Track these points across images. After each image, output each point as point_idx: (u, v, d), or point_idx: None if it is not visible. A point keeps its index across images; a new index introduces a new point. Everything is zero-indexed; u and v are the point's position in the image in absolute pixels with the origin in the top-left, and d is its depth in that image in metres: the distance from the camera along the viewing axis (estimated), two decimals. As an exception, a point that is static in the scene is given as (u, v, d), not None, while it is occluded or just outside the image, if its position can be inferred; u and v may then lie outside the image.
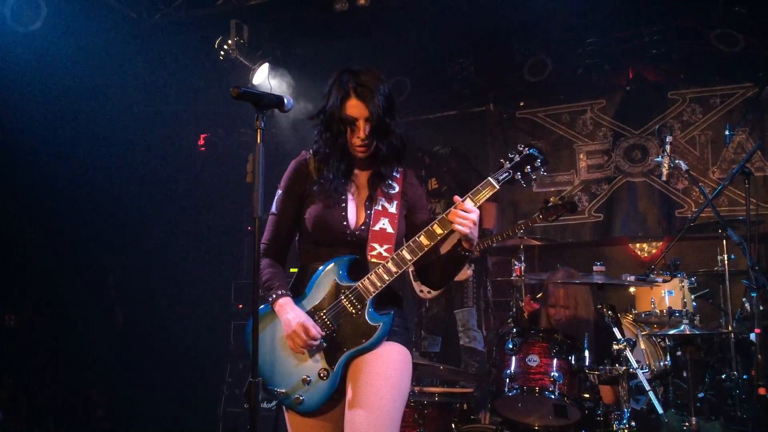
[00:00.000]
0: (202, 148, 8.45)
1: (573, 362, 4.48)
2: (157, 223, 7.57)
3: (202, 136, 8.42)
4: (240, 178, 7.79)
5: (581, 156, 7.39)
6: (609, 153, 7.26)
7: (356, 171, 2.99)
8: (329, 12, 6.28)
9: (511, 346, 4.57)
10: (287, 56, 7.12)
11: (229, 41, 6.58)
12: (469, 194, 2.78)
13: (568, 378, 4.41)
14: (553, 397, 4.36)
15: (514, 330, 4.70)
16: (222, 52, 6.64)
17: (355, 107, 2.82)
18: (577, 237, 7.24)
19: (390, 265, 2.78)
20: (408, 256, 2.78)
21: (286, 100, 2.88)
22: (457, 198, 2.76)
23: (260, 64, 6.90)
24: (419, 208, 3.05)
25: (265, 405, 6.51)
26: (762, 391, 4.53)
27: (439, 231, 2.77)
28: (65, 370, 6.92)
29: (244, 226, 8.00)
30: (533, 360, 4.47)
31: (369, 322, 2.77)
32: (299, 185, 2.96)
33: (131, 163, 7.35)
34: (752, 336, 4.76)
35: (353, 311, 2.79)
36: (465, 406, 5.07)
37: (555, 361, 4.44)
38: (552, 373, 4.39)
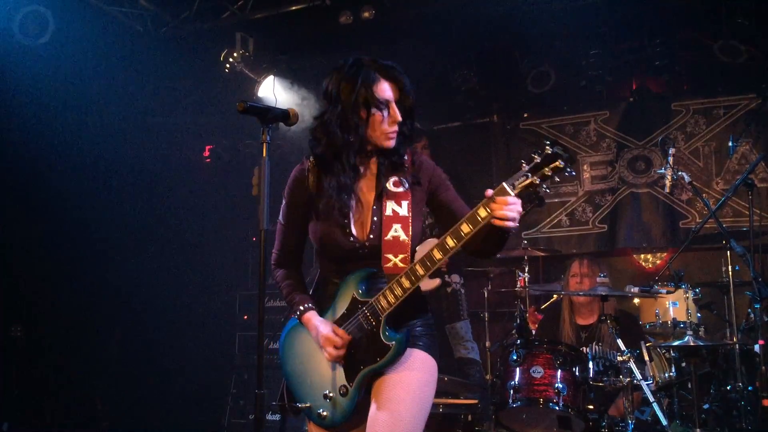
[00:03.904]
0: (208, 160, 8.50)
1: (577, 374, 4.48)
2: (162, 233, 7.60)
3: (208, 147, 8.47)
4: (245, 189, 7.82)
5: (585, 167, 7.41)
6: (613, 164, 7.27)
7: (360, 171, 2.82)
8: (334, 25, 6.33)
9: (515, 357, 4.58)
10: (292, 69, 7.17)
11: (235, 54, 6.64)
12: (482, 204, 2.54)
13: (573, 389, 4.42)
14: (557, 408, 4.36)
15: (518, 341, 4.71)
16: (227, 65, 6.70)
17: (386, 90, 2.72)
18: (581, 248, 7.23)
19: (403, 279, 2.65)
20: (421, 271, 2.63)
21: (291, 114, 2.90)
22: (488, 191, 2.52)
23: (265, 77, 6.95)
24: (441, 187, 2.87)
25: (269, 417, 6.52)
26: (766, 402, 4.52)
27: (466, 230, 2.55)
28: (71, 381, 6.94)
29: (249, 237, 8.03)
30: (537, 371, 4.47)
31: (383, 340, 2.67)
32: (300, 195, 2.85)
33: (137, 175, 7.39)
34: (757, 347, 4.75)
35: (368, 328, 2.70)
36: (469, 418, 5.07)
37: (559, 372, 4.45)
38: (556, 385, 4.39)
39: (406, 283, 2.64)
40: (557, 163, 2.46)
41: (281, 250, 2.95)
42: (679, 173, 5.08)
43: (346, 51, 6.98)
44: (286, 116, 2.86)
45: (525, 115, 7.70)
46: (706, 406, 5.01)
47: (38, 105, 6.26)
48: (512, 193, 2.49)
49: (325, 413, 2.72)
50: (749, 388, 4.96)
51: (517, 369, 4.55)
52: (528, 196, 2.55)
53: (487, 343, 5.94)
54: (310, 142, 2.83)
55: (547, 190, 2.54)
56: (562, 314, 5.46)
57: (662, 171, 5.18)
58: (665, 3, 6.26)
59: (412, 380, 2.69)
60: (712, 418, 4.98)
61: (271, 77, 6.98)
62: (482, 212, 2.52)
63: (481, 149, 7.88)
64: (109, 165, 7.00)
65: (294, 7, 6.33)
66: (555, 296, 6.07)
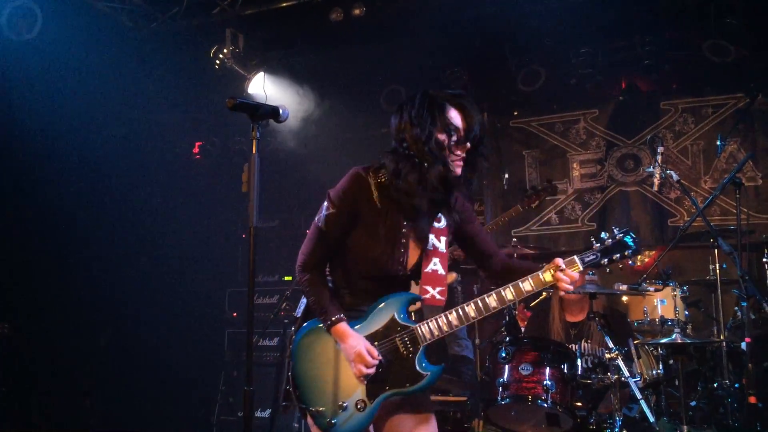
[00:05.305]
0: (197, 156, 8.48)
1: (565, 371, 4.49)
2: (152, 230, 7.57)
3: (197, 144, 8.45)
4: (235, 186, 7.74)
5: (575, 165, 7.43)
6: (602, 162, 7.30)
7: None
8: (325, 21, 6.32)
9: (504, 354, 4.59)
10: (283, 65, 7.15)
11: (225, 50, 6.61)
12: (548, 268, 2.75)
13: (561, 386, 4.43)
14: (545, 405, 4.37)
15: (507, 339, 4.72)
16: (217, 61, 6.68)
17: (454, 117, 2.72)
18: (571, 245, 7.26)
19: (453, 318, 2.75)
20: (472, 314, 2.75)
21: (281, 111, 2.89)
22: (558, 260, 2.75)
23: (255, 73, 6.94)
24: (468, 220, 2.98)
25: (258, 414, 6.51)
26: (752, 399, 4.55)
27: (528, 288, 2.75)
28: (59, 379, 6.90)
29: (239, 234, 8.01)
30: (526, 369, 4.48)
31: (417, 368, 2.74)
32: (354, 207, 2.78)
33: (126, 171, 7.35)
34: (743, 345, 4.78)
35: (405, 353, 2.75)
36: (458, 415, 5.09)
37: (547, 369, 4.46)
38: (544, 382, 4.41)
39: (455, 321, 2.75)
40: (626, 252, 2.77)
41: (314, 254, 2.84)
42: (668, 172, 5.10)
43: (337, 47, 7.05)
44: (275, 113, 2.86)
45: (515, 113, 7.72)
46: (693, 403, 5.05)
47: (26, 101, 6.21)
48: (581, 269, 2.75)
49: (334, 422, 2.74)
50: (736, 386, 5.00)
51: (506, 366, 4.56)
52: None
53: (477, 341, 5.96)
54: (395, 167, 2.73)
55: (608, 270, 2.84)
56: (551, 311, 5.48)
57: (651, 169, 5.21)
58: (654, 2, 6.29)
59: (434, 422, 2.88)
60: (699, 415, 5.02)
61: (261, 74, 6.97)
62: (548, 277, 2.76)
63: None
64: (97, 161, 6.96)
65: (284, 4, 6.31)
66: (544, 294, 6.09)
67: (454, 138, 2.71)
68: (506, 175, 6.73)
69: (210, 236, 8.02)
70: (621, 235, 2.77)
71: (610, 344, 4.42)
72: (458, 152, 2.73)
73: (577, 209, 7.37)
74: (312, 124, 7.26)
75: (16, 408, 6.51)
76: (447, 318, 2.75)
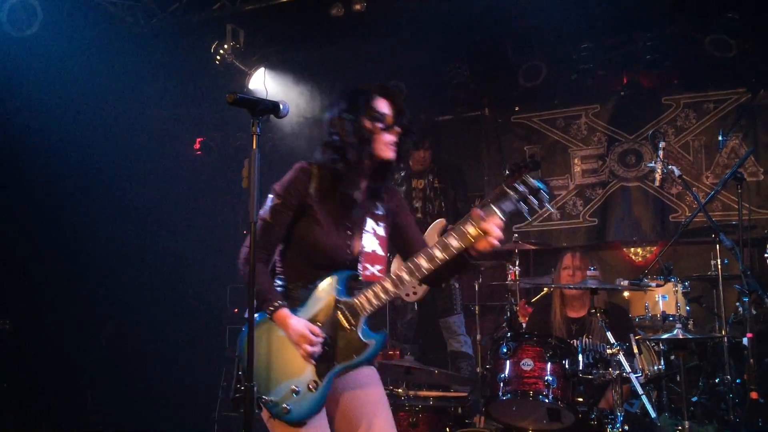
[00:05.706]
0: (198, 152, 8.47)
1: (567, 366, 4.49)
2: (152, 226, 7.57)
3: (198, 139, 8.44)
4: (236, 182, 7.81)
5: (576, 161, 7.42)
6: (603, 158, 7.29)
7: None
8: (325, 17, 6.31)
9: (505, 350, 4.59)
10: (283, 61, 7.14)
11: (225, 46, 6.61)
12: (470, 222, 2.70)
13: (562, 382, 4.43)
14: (546, 401, 4.37)
15: (508, 334, 4.72)
16: (218, 57, 6.67)
17: (383, 105, 2.90)
18: (572, 241, 7.25)
19: (388, 284, 2.79)
20: (406, 277, 2.78)
21: (281, 106, 2.88)
22: (477, 210, 2.71)
23: (256, 69, 6.93)
24: (403, 211, 3.12)
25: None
26: (754, 395, 4.56)
27: (455, 244, 2.72)
28: (59, 375, 6.90)
29: (240, 229, 8.01)
30: (527, 364, 4.48)
31: (362, 338, 2.80)
32: (299, 198, 2.89)
33: (127, 167, 7.35)
34: (745, 340, 4.78)
35: (347, 326, 2.81)
36: (459, 410, 5.09)
37: (549, 365, 4.46)
38: (546, 377, 4.41)
39: (391, 287, 2.79)
40: (540, 195, 2.71)
41: (260, 248, 2.88)
42: (669, 167, 5.10)
43: (337, 43, 7.04)
44: (276, 108, 2.85)
45: (516, 109, 7.70)
46: (694, 399, 5.06)
47: (25, 97, 6.21)
48: (502, 218, 2.69)
49: (289, 407, 2.77)
50: (737, 381, 5.00)
51: (507, 362, 4.56)
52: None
53: (478, 336, 5.96)
54: (328, 157, 2.90)
55: (528, 217, 2.78)
56: (552, 307, 5.48)
57: (652, 165, 5.20)
58: (656, -3, 6.28)
59: (383, 394, 2.96)
60: (701, 411, 5.02)
61: (261, 69, 6.96)
62: (471, 229, 2.71)
63: (473, 143, 7.89)
64: (97, 157, 6.95)
65: (285, -1, 6.31)
66: (545, 289, 6.09)
67: (381, 124, 2.86)
68: (507, 171, 6.71)
69: (211, 232, 8.01)
70: (533, 181, 2.73)
71: (612, 340, 4.41)
72: (389, 136, 2.88)
73: (578, 205, 7.36)
74: (313, 119, 7.25)
75: (16, 406, 6.51)
76: (383, 285, 2.80)
